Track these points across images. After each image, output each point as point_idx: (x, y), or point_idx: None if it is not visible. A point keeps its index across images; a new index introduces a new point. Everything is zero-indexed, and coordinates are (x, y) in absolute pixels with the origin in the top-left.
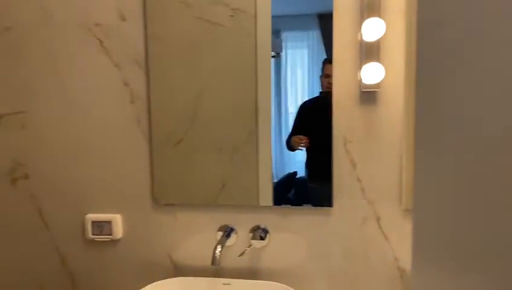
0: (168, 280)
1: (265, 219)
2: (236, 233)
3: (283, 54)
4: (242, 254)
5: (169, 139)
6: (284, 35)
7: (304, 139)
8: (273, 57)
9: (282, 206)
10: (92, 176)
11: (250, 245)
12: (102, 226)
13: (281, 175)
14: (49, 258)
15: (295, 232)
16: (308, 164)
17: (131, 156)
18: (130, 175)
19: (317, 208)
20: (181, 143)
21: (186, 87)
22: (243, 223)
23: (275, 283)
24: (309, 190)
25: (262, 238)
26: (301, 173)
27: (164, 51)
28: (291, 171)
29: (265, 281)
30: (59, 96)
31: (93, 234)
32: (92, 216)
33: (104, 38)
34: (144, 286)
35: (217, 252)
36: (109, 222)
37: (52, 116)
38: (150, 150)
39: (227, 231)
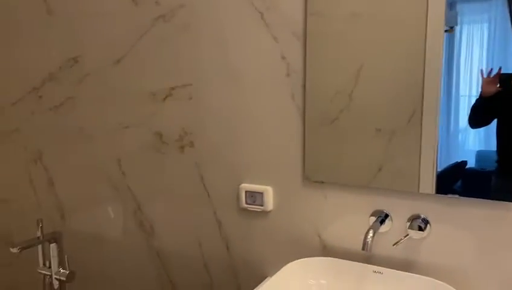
0: (317, 258)
1: (425, 208)
2: (391, 220)
3: (457, 28)
4: (397, 243)
5: (323, 117)
6: (460, 7)
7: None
8: (445, 31)
9: (449, 195)
10: (247, 147)
11: (407, 235)
12: (254, 197)
13: (446, 164)
14: (208, 222)
15: (462, 226)
16: (501, 150)
17: (284, 129)
18: (282, 149)
19: (495, 201)
20: (335, 122)
21: (344, 63)
22: (399, 209)
23: (434, 279)
24: (494, 180)
25: (421, 229)
26: (471, 163)
27: (323, 23)
28: (459, 160)
29: (421, 276)
30: (222, 69)
31: (246, 203)
32: (245, 186)
33: (265, 11)
34: (292, 260)
35: (368, 237)
36: (261, 193)
37: (216, 88)
38: (303, 125)
39: (382, 217)
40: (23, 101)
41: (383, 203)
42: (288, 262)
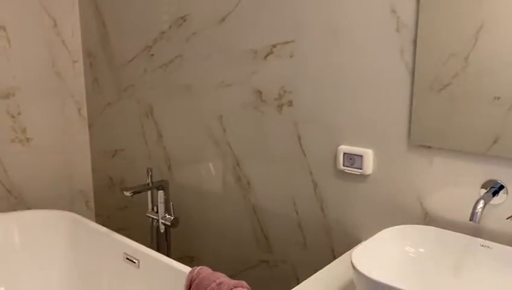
0: (418, 226)
1: None
2: (506, 192)
3: None
4: (511, 217)
5: (434, 81)
6: None
7: None
8: None
9: None
10: (348, 107)
11: None
12: (353, 159)
13: None
14: (303, 182)
15: None
16: None
17: (390, 89)
18: (386, 109)
19: None
20: (447, 88)
21: (461, 21)
22: None
23: None
24: None
25: None
26: None
27: None
28: None
29: None
30: (325, 25)
31: (344, 166)
32: (344, 148)
33: None
34: (389, 227)
35: (478, 207)
36: (360, 156)
37: (318, 45)
38: (411, 86)
39: (495, 188)
40: (137, 59)
41: (498, 173)
42: (384, 227)
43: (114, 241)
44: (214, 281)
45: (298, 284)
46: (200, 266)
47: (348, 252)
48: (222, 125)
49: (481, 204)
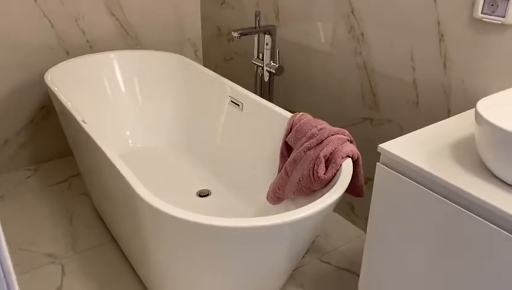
0: None
1: None
2: None
3: None
4: None
5: None
6: None
7: None
8: None
9: None
10: None
11: None
12: (496, 4)
13: None
14: (426, 32)
15: None
16: None
17: None
18: None
19: None
20: None
21: None
22: None
23: None
24: None
25: None
26: None
27: None
28: None
29: None
30: None
31: (482, 13)
32: None
33: None
34: None
35: None
36: (507, 0)
37: None
38: None
39: None
40: None
41: None
42: None
43: (221, 85)
44: (315, 126)
45: None
46: (302, 113)
47: (468, 111)
48: None
49: None
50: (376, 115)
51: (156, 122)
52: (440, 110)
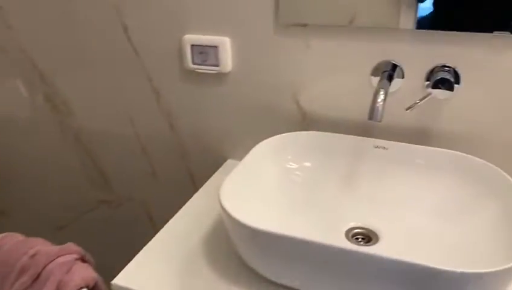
0: (298, 133)
1: (456, 55)
2: (401, 74)
3: None
4: (412, 107)
5: None
6: None
7: None
8: None
9: (496, 33)
10: None
11: (429, 94)
12: (206, 53)
13: None
14: (141, 93)
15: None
16: None
17: None
18: None
19: None
20: None
21: None
22: (415, 59)
23: (453, 151)
24: None
25: (449, 87)
26: None
27: None
28: None
29: (438, 149)
30: None
31: (194, 63)
32: (191, 38)
33: None
34: (259, 137)
35: (379, 101)
36: (215, 47)
37: None
38: None
39: (388, 70)
40: None
41: (392, 50)
42: (254, 140)
43: None
44: (25, 252)
45: (153, 223)
46: (5, 233)
47: (213, 178)
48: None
49: (382, 96)
50: (111, 196)
51: None
52: (181, 176)
